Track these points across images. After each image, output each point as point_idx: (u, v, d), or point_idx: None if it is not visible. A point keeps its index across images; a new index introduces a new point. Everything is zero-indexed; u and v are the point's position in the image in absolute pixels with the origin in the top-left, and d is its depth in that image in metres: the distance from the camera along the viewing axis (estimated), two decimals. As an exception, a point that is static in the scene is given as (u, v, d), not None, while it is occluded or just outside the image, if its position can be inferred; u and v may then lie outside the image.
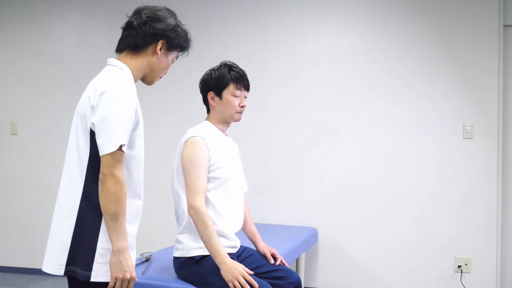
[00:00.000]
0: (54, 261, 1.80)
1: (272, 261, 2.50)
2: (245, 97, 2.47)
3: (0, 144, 4.79)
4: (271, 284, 2.35)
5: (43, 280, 4.43)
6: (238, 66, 2.48)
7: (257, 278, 2.26)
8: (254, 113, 4.17)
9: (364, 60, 4.08)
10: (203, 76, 2.49)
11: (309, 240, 3.79)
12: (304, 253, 3.90)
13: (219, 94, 2.42)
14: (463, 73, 3.91)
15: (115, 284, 1.74)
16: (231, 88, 2.41)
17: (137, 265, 2.59)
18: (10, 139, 4.77)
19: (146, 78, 1.99)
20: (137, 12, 1.92)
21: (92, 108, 1.77)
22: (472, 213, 3.88)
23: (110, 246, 1.77)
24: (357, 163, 4.07)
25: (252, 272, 2.25)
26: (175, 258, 2.39)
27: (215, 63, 2.51)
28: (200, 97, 2.52)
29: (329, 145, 4.12)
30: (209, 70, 2.48)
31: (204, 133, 2.38)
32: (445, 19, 3.94)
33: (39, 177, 4.65)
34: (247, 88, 2.47)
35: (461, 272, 3.87)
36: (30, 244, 4.62)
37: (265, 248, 2.55)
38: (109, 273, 1.76)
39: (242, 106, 2.44)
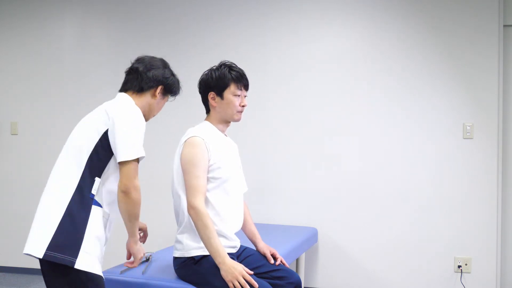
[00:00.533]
0: (36, 243, 1.98)
1: (272, 261, 2.50)
2: (245, 96, 2.48)
3: (0, 144, 4.79)
4: (271, 284, 2.35)
5: (43, 280, 4.43)
6: (237, 65, 2.48)
7: (257, 278, 2.26)
8: (254, 113, 4.17)
9: (364, 60, 4.08)
10: (202, 76, 2.48)
11: (309, 240, 3.79)
12: (304, 253, 3.90)
13: (220, 94, 2.41)
14: (463, 73, 3.91)
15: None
16: (232, 88, 2.41)
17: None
18: (10, 139, 4.77)
19: (144, 116, 2.26)
20: (141, 61, 2.32)
21: (109, 119, 2.08)
22: (472, 213, 3.88)
23: (95, 240, 2.04)
24: (357, 163, 4.07)
25: (252, 272, 2.25)
26: (175, 258, 2.39)
27: (215, 63, 2.51)
28: (200, 97, 2.52)
29: (329, 145, 4.12)
30: (208, 70, 2.48)
31: (203, 133, 2.37)
32: (445, 19, 3.94)
33: (39, 177, 4.62)
34: (246, 87, 2.47)
35: (461, 272, 3.87)
36: (30, 244, 4.62)
37: (265, 248, 2.55)
38: (92, 265, 2.01)
39: (243, 106, 2.45)
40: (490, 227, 3.84)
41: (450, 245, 3.91)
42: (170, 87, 2.31)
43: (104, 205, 2.10)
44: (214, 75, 2.43)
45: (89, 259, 2.00)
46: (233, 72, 2.42)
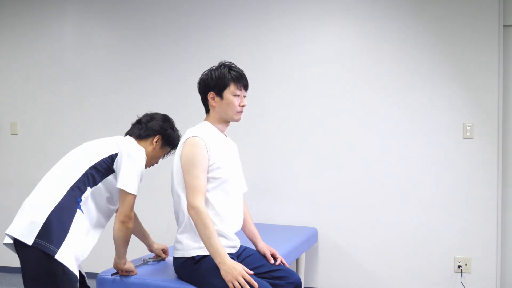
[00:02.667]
0: (27, 230, 2.12)
1: (272, 261, 2.50)
2: (244, 96, 2.48)
3: (0, 144, 4.79)
4: (271, 284, 2.35)
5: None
6: (236, 65, 2.48)
7: (257, 278, 2.26)
8: (254, 113, 4.17)
9: (364, 60, 4.08)
10: (202, 76, 2.48)
11: (309, 240, 3.79)
12: (304, 253, 3.90)
13: (219, 94, 2.41)
14: (463, 73, 3.91)
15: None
16: (232, 88, 2.41)
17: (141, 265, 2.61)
18: (10, 139, 4.77)
19: None
20: (146, 114, 2.59)
21: (120, 148, 2.34)
22: (472, 213, 3.87)
23: (76, 240, 2.18)
24: (357, 163, 4.07)
25: (252, 272, 2.25)
26: (175, 258, 2.39)
27: (215, 63, 2.51)
28: (200, 97, 2.52)
29: (329, 145, 4.12)
30: (208, 70, 2.47)
31: (203, 133, 2.37)
32: (445, 19, 3.94)
33: (39, 177, 4.62)
34: (246, 87, 2.47)
35: (461, 272, 3.87)
36: (30, 244, 4.62)
37: (265, 248, 2.55)
38: (70, 261, 2.13)
39: (243, 106, 2.45)
40: (490, 227, 3.84)
41: (450, 245, 3.91)
42: (168, 138, 2.54)
43: (85, 213, 2.27)
44: (213, 75, 2.42)
45: (69, 254, 2.14)
46: (233, 72, 2.42)
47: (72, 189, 2.23)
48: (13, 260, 4.66)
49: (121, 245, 2.31)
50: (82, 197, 2.25)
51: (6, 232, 2.19)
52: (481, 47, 3.87)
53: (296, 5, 4.22)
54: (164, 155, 2.61)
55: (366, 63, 4.08)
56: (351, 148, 4.08)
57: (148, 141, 2.50)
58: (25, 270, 2.16)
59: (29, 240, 2.11)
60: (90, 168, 2.29)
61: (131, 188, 2.29)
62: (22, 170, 4.72)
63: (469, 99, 3.90)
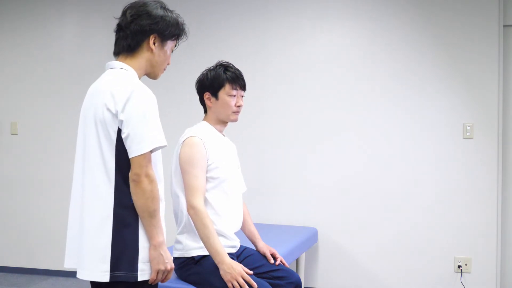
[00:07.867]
0: (95, 267, 1.76)
1: (272, 261, 2.50)
2: (242, 96, 2.47)
3: (0, 144, 4.79)
4: (271, 284, 2.35)
5: (43, 280, 4.43)
6: (234, 66, 2.48)
7: (257, 278, 2.26)
8: (254, 113, 4.17)
9: (364, 61, 4.08)
10: (199, 77, 2.50)
11: (309, 240, 3.79)
12: (304, 253, 3.90)
13: (215, 94, 2.42)
14: (463, 73, 3.91)
15: (157, 276, 1.79)
16: (227, 88, 2.42)
17: None
18: (10, 139, 4.77)
19: (150, 75, 1.98)
20: (123, 13, 1.94)
21: (115, 115, 1.76)
22: (472, 213, 3.87)
23: (147, 244, 1.79)
24: (357, 163, 4.07)
25: (251, 272, 2.25)
26: (175, 258, 2.39)
27: (214, 63, 2.52)
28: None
29: (329, 145, 4.12)
30: (205, 70, 2.49)
31: (201, 133, 2.38)
32: (445, 19, 3.94)
33: (39, 177, 4.64)
34: (243, 87, 2.47)
35: (461, 272, 3.87)
36: (30, 244, 4.62)
37: (265, 248, 2.55)
38: (149, 271, 1.78)
39: (239, 106, 2.44)
40: (490, 227, 3.84)
41: (450, 245, 3.90)
42: (164, 32, 1.89)
43: None
44: (209, 76, 2.44)
45: (148, 266, 1.79)
46: (228, 73, 2.42)
47: (117, 203, 1.77)
48: (13, 260, 4.66)
49: (141, 215, 1.77)
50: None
51: (78, 276, 1.84)
52: (481, 47, 3.87)
53: (296, 5, 4.22)
54: (173, 49, 2.00)
55: (366, 63, 4.08)
56: (351, 148, 4.08)
57: (143, 49, 1.89)
58: None
59: (105, 277, 1.75)
60: (117, 169, 1.77)
61: (139, 150, 1.73)
62: (22, 170, 4.71)
63: (469, 99, 3.90)
